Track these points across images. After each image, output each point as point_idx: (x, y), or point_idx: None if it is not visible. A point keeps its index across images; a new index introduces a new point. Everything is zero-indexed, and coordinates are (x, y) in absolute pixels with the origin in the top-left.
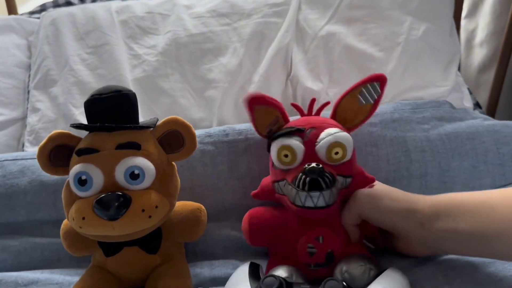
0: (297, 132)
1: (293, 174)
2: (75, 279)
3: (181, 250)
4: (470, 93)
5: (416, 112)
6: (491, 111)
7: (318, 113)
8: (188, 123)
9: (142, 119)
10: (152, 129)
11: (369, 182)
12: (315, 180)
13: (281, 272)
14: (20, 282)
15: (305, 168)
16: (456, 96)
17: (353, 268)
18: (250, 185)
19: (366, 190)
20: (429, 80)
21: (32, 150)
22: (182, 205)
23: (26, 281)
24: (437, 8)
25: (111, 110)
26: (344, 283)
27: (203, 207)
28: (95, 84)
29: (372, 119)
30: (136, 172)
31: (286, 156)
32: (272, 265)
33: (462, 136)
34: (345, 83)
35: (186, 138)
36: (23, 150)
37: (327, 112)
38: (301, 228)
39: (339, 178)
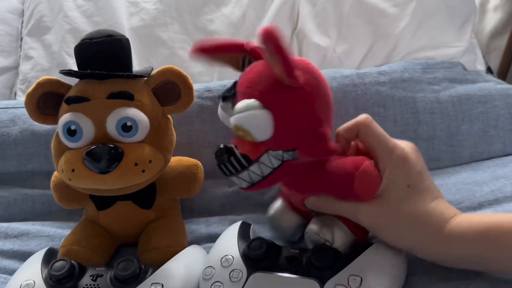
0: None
1: None
2: (67, 232)
3: (176, 206)
4: (483, 57)
5: (427, 72)
6: (502, 77)
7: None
8: (185, 73)
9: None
10: (146, 78)
11: (332, 153)
12: (224, 166)
13: (276, 205)
14: (10, 233)
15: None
16: (469, 58)
17: (310, 234)
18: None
19: (372, 211)
20: (442, 40)
21: (23, 100)
22: (178, 160)
23: (16, 232)
24: None
25: (103, 55)
26: (334, 250)
27: (200, 164)
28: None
29: (381, 78)
30: (129, 124)
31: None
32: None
33: (474, 99)
34: (354, 39)
35: (183, 89)
36: (15, 99)
37: None
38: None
39: (272, 153)
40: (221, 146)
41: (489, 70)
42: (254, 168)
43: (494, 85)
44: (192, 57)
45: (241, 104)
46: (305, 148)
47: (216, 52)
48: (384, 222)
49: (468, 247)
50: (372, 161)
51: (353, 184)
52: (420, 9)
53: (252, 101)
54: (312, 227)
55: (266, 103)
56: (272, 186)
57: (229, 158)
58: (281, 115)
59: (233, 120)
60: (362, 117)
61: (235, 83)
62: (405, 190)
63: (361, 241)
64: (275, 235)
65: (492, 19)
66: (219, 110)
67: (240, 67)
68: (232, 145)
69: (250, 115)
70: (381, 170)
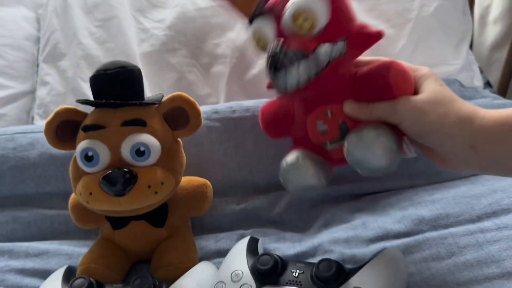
0: (267, 10)
1: None
2: (84, 250)
3: (187, 224)
4: (481, 72)
5: None
6: (503, 90)
7: None
8: (193, 99)
9: (149, 94)
10: (157, 105)
11: (375, 39)
12: (276, 61)
13: (291, 157)
14: (31, 252)
15: (268, 51)
16: (466, 75)
17: (364, 131)
18: (256, 162)
19: (410, 100)
20: (439, 58)
21: (41, 123)
22: (188, 180)
23: (36, 251)
24: None
25: (117, 86)
26: (338, 263)
27: (209, 183)
28: (103, 58)
29: None
30: (142, 149)
31: (258, 43)
32: (289, 150)
33: None
34: None
35: (191, 115)
36: (32, 123)
37: None
38: (307, 108)
39: (322, 47)
40: (273, 45)
41: (488, 84)
42: (304, 63)
43: (491, 100)
44: None
45: None
46: (354, 35)
47: None
48: (430, 105)
49: (505, 129)
50: None
51: (389, 76)
52: (417, 30)
53: None
54: (365, 130)
55: None
56: (312, 92)
57: (286, 50)
58: (334, 1)
59: (291, 8)
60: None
61: (261, 3)
62: (440, 87)
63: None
64: (298, 188)
65: (492, 31)
66: (252, 27)
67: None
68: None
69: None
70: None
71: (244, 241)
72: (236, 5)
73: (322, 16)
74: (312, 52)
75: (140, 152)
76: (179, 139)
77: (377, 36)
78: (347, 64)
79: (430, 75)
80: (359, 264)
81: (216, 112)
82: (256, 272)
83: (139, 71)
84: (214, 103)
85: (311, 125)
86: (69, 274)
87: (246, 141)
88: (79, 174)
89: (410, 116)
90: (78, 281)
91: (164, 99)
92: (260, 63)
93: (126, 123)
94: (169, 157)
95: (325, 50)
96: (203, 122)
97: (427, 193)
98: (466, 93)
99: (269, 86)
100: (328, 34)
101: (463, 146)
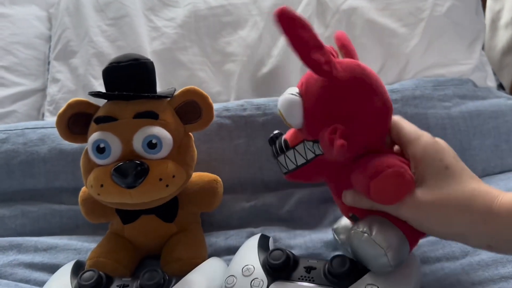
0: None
1: None
2: (93, 245)
3: (197, 220)
4: (494, 74)
5: (438, 89)
6: None
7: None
8: (205, 93)
9: (159, 91)
10: (169, 99)
11: (340, 154)
12: (271, 147)
13: None
14: (40, 246)
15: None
16: (480, 75)
17: (353, 232)
18: (266, 160)
19: (409, 204)
20: (452, 58)
21: (52, 120)
22: (199, 176)
23: (45, 246)
24: None
25: (129, 78)
26: (352, 260)
27: (219, 179)
28: (114, 56)
29: (393, 96)
30: (154, 141)
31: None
32: None
33: (485, 115)
34: (366, 58)
35: (203, 108)
36: (43, 120)
37: None
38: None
39: (307, 143)
40: (276, 131)
41: (500, 86)
42: (290, 154)
43: (505, 100)
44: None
45: (289, 90)
46: (322, 141)
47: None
48: (428, 211)
49: None
50: (407, 166)
51: (369, 193)
52: (430, 29)
53: (293, 88)
54: (359, 225)
55: (301, 91)
56: (308, 180)
57: (274, 140)
58: (309, 104)
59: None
60: (393, 117)
61: None
62: (444, 173)
63: (411, 242)
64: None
65: (503, 36)
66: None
67: None
68: (282, 132)
69: (284, 99)
70: (415, 160)
71: (255, 238)
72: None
73: (290, 118)
74: (295, 145)
75: (152, 144)
76: (190, 133)
77: (339, 147)
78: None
79: (431, 152)
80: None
81: (227, 109)
82: (268, 267)
83: (151, 64)
84: (224, 101)
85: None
86: (78, 268)
87: (256, 139)
88: (91, 166)
89: (414, 219)
90: (87, 274)
91: (177, 92)
92: (270, 62)
93: (138, 116)
94: (180, 151)
95: (308, 146)
96: (214, 119)
97: None
98: (479, 93)
99: None
100: (308, 132)
101: (480, 245)
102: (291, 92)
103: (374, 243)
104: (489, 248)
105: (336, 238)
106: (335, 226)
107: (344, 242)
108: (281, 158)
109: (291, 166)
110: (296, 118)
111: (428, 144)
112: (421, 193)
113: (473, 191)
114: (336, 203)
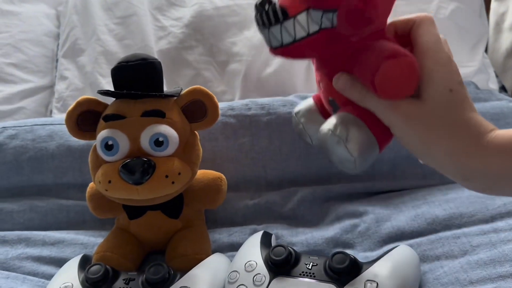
0: None
1: None
2: (99, 240)
3: (201, 217)
4: (496, 76)
5: None
6: None
7: None
8: (211, 93)
9: (165, 89)
10: (176, 98)
11: (364, 26)
12: (260, 15)
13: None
14: (48, 240)
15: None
16: (482, 77)
17: (322, 131)
18: (270, 159)
19: (403, 113)
20: (455, 60)
21: (60, 116)
22: (203, 173)
23: (53, 240)
24: None
25: (137, 77)
26: (352, 257)
27: (223, 177)
28: (121, 54)
29: None
30: (161, 139)
31: None
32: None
33: (486, 117)
34: None
35: (209, 108)
36: (51, 117)
37: None
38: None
39: (312, 13)
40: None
41: (503, 89)
42: (288, 24)
43: (507, 103)
44: None
45: None
46: (345, 10)
47: None
48: (420, 124)
49: (509, 160)
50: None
51: (377, 75)
52: None
53: None
54: (326, 124)
55: None
56: (297, 57)
57: (267, 6)
58: None
59: None
60: (423, 14)
61: None
62: (447, 95)
63: (381, 147)
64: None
65: (507, 38)
66: None
67: None
68: None
69: None
70: (425, 67)
71: (258, 235)
72: None
73: None
74: (295, 14)
75: (158, 142)
76: (196, 132)
77: (376, 32)
78: (341, 42)
79: (441, 71)
80: (372, 259)
81: (232, 108)
82: (270, 263)
83: (159, 64)
84: (229, 100)
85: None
86: (85, 262)
87: (260, 138)
88: (99, 162)
89: (399, 128)
90: (94, 268)
91: (183, 92)
92: (275, 62)
93: (145, 114)
94: (186, 148)
95: (313, 16)
96: (219, 118)
97: (441, 192)
98: (481, 95)
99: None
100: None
101: (456, 177)
102: None
103: (346, 150)
104: (465, 181)
105: (297, 121)
106: (297, 110)
107: (306, 128)
108: (276, 28)
109: (287, 40)
110: None
111: (443, 61)
112: (418, 105)
113: (468, 120)
114: (318, 84)
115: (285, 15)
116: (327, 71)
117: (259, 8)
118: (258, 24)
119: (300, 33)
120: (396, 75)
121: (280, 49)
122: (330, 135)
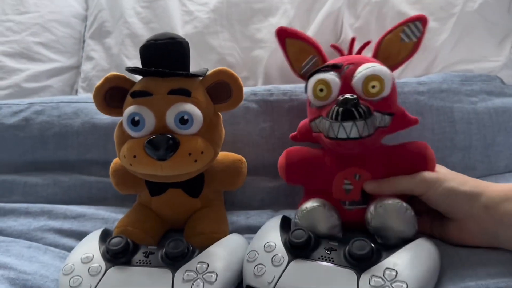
0: (334, 68)
1: (328, 108)
2: (119, 216)
3: (220, 198)
4: None
5: (465, 84)
6: None
7: (359, 52)
8: (236, 75)
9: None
10: (202, 78)
11: (412, 123)
12: (349, 110)
13: (312, 202)
14: (69, 214)
15: (339, 99)
16: (508, 72)
17: (388, 204)
18: (290, 145)
19: (433, 174)
20: (481, 54)
21: (86, 95)
22: (225, 155)
23: (74, 214)
24: None
25: (165, 56)
26: (372, 245)
27: (244, 160)
28: (147, 37)
29: (420, 88)
30: (186, 117)
31: (321, 90)
32: (305, 200)
33: (511, 112)
34: None
35: (234, 89)
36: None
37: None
38: (338, 165)
39: (376, 113)
40: (348, 95)
41: None
42: (370, 120)
43: None
44: (276, 34)
45: (373, 63)
46: (399, 114)
47: (298, 37)
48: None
49: None
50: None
51: (427, 152)
52: (460, 24)
53: (380, 64)
54: (388, 201)
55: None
56: (360, 149)
57: (359, 103)
58: (393, 80)
59: (367, 71)
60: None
61: (331, 63)
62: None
63: None
64: (327, 227)
65: None
66: (318, 76)
67: (302, 65)
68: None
69: (384, 68)
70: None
71: (277, 218)
72: (287, 51)
73: (388, 87)
74: (373, 113)
75: (183, 120)
76: (219, 113)
77: (414, 122)
78: (383, 136)
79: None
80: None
81: (254, 93)
82: (289, 245)
83: (187, 43)
84: (252, 86)
85: (339, 181)
86: (106, 236)
87: (281, 124)
88: (124, 138)
89: (434, 184)
90: (115, 240)
91: (209, 72)
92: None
93: (172, 92)
94: (209, 128)
95: (379, 116)
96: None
97: None
98: (507, 90)
99: (295, 137)
100: (384, 104)
101: (479, 207)
102: (383, 66)
103: (412, 215)
104: (486, 208)
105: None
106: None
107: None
108: (361, 123)
109: (365, 133)
110: (390, 87)
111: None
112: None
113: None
114: (336, 180)
115: (370, 111)
116: (363, 164)
117: (352, 102)
118: (346, 115)
119: (371, 129)
120: (432, 152)
121: (358, 140)
122: (399, 205)
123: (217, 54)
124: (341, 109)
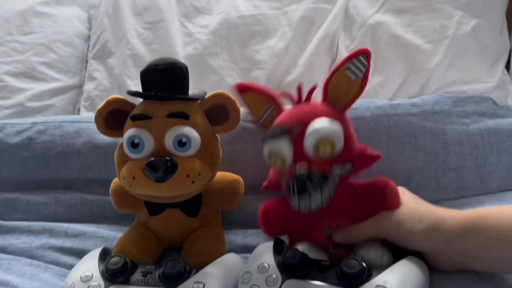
0: (283, 132)
1: (287, 177)
2: (119, 234)
3: (218, 217)
4: None
5: (458, 106)
6: None
7: (308, 98)
8: (234, 98)
9: (190, 93)
10: (200, 101)
11: (374, 159)
12: (302, 186)
13: (300, 247)
14: (70, 232)
15: (292, 173)
16: (500, 93)
17: (364, 254)
18: None
19: (390, 214)
20: (474, 76)
21: (88, 115)
22: (222, 175)
23: (75, 232)
24: (489, 5)
25: (165, 80)
26: (363, 264)
27: (241, 179)
28: (149, 58)
29: (413, 110)
30: (184, 140)
31: (275, 162)
32: (292, 245)
33: (503, 133)
34: (389, 72)
35: (231, 112)
36: (78, 115)
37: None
38: (315, 217)
39: (335, 168)
40: (298, 170)
41: None
42: (326, 186)
43: None
44: (235, 89)
45: (323, 121)
46: (359, 156)
47: (253, 90)
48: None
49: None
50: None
51: (386, 192)
52: (453, 47)
53: (330, 119)
54: (363, 249)
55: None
56: (329, 208)
57: (310, 174)
58: (345, 130)
59: (316, 137)
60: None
61: (280, 126)
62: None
63: None
64: None
65: None
66: (270, 146)
67: (261, 114)
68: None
69: (335, 128)
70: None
71: (271, 241)
72: (246, 104)
73: (339, 144)
74: (330, 174)
75: (181, 143)
76: (217, 135)
77: (376, 157)
78: (348, 180)
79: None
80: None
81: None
82: (282, 266)
83: (186, 68)
84: None
85: (318, 230)
86: (105, 254)
87: None
88: (124, 159)
89: (393, 228)
90: (114, 259)
91: (207, 96)
92: (296, 71)
93: (171, 115)
94: (207, 150)
95: (337, 171)
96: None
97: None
98: (499, 111)
99: (267, 187)
100: (341, 156)
101: (440, 243)
102: (333, 122)
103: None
104: (448, 243)
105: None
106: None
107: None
108: (317, 193)
109: (326, 198)
110: (342, 144)
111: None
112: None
113: (430, 204)
114: (316, 229)
115: (325, 176)
116: (336, 210)
117: (302, 178)
118: (302, 191)
119: (332, 188)
120: (394, 190)
121: (319, 208)
122: (375, 256)
123: (217, 74)
124: (295, 184)
